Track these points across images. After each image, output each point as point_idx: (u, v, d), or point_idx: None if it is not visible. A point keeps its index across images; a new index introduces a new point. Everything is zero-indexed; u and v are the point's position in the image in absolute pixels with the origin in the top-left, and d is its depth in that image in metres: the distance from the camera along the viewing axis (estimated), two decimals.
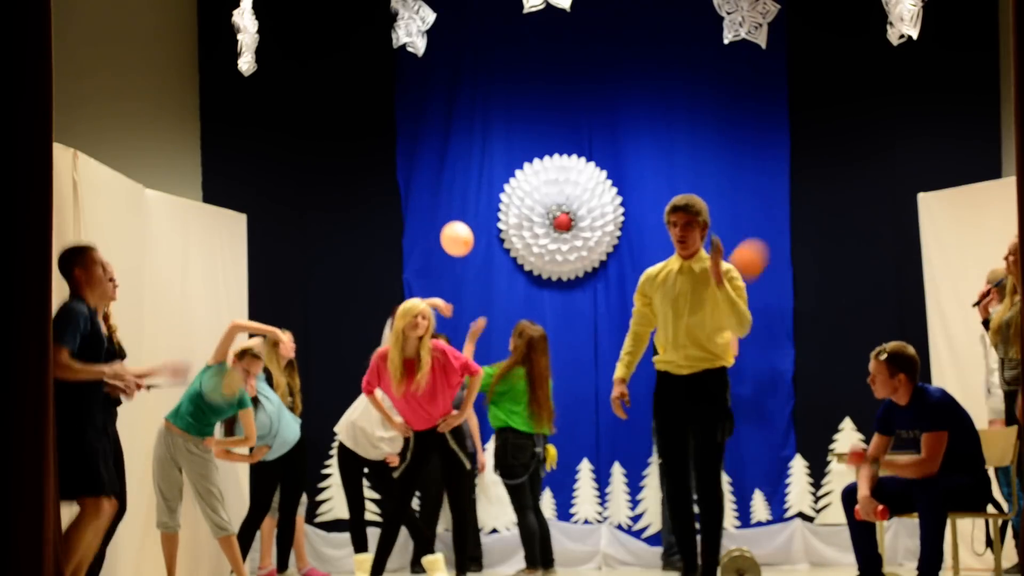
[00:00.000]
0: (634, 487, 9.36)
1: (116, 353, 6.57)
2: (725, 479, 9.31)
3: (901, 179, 9.40)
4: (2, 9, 5.01)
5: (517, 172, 9.68)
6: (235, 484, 8.57)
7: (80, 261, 5.89)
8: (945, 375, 8.60)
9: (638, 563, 9.25)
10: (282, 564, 8.39)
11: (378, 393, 7.52)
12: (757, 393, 9.38)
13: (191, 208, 8.80)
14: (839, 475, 9.08)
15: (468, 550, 8.96)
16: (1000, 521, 6.72)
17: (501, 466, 8.24)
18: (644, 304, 6.48)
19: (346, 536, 9.22)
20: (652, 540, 9.31)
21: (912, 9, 7.06)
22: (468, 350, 8.26)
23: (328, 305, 9.57)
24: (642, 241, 9.44)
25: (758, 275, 6.68)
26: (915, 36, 7.18)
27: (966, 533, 7.78)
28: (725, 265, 6.30)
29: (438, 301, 8.05)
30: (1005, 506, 7.11)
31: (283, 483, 8.37)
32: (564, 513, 9.39)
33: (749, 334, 8.88)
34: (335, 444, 9.22)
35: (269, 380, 8.36)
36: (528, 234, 9.59)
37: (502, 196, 9.67)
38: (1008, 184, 6.94)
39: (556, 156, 9.69)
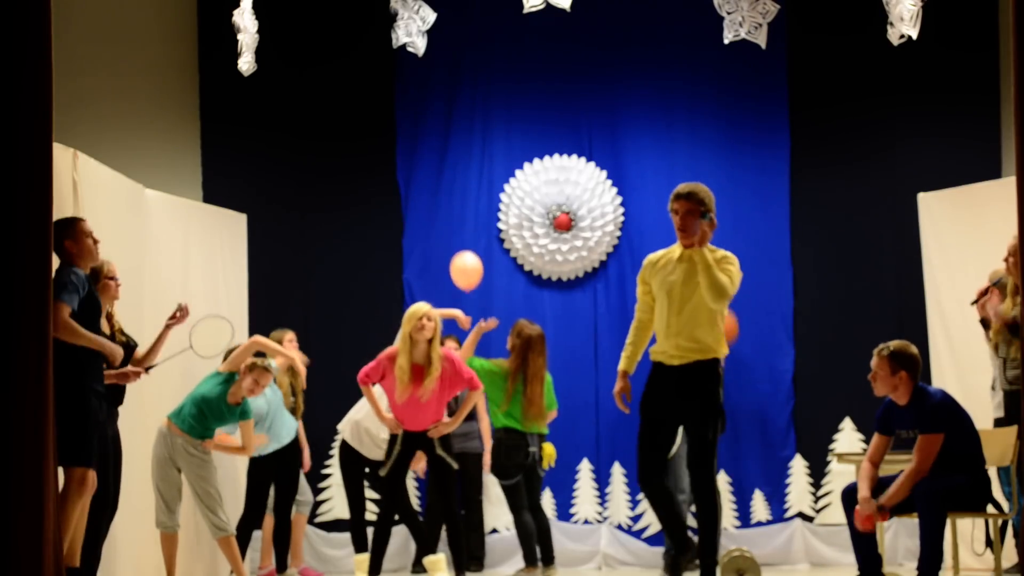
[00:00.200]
0: (634, 487, 9.35)
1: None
2: (725, 479, 9.33)
3: (901, 179, 9.41)
4: (2, 9, 5.01)
5: (517, 172, 9.68)
6: (233, 485, 8.57)
7: (70, 233, 5.93)
8: (945, 375, 8.60)
9: (638, 563, 9.25)
10: (281, 564, 8.39)
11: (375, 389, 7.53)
12: (757, 393, 9.38)
13: (191, 208, 8.80)
14: (839, 475, 9.08)
15: (471, 550, 9.02)
16: (1000, 521, 6.72)
17: (495, 466, 8.24)
18: (645, 291, 6.38)
19: (346, 536, 9.22)
20: (652, 540, 9.31)
21: (912, 9, 7.06)
22: (469, 346, 8.25)
23: (328, 305, 9.57)
24: (642, 241, 9.44)
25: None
26: (915, 36, 7.18)
27: (966, 533, 7.78)
28: (723, 252, 6.23)
29: (457, 313, 8.10)
30: (1006, 506, 7.11)
31: (277, 484, 8.36)
32: (564, 513, 9.39)
33: (748, 332, 9.03)
34: (335, 444, 9.25)
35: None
36: (528, 234, 9.59)
37: (502, 196, 9.67)
38: (1008, 184, 6.94)
39: (556, 156, 9.69)
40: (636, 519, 9.38)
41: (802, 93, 9.63)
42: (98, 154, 7.30)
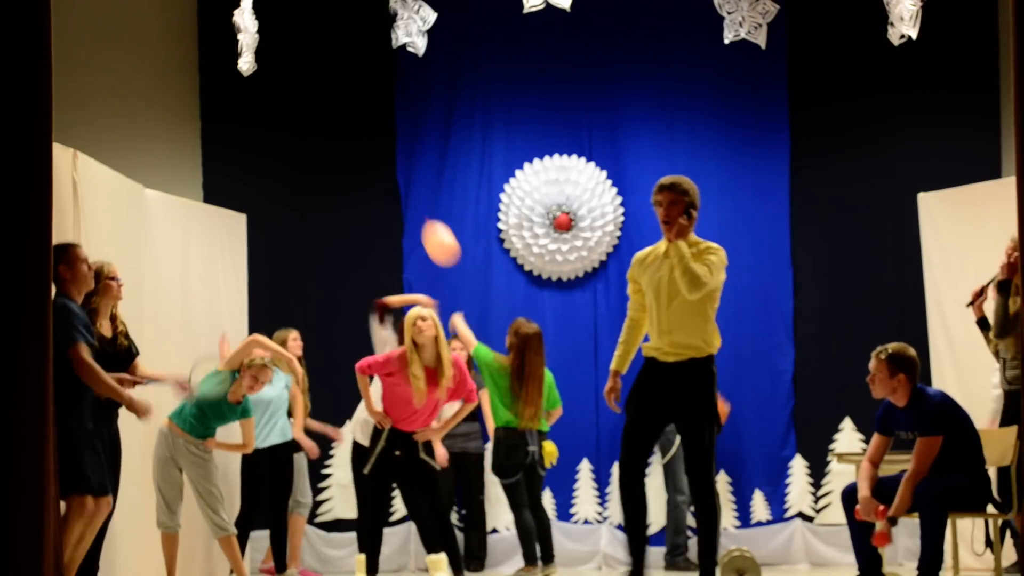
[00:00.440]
0: None
1: (122, 354, 6.59)
2: (725, 479, 9.33)
3: (901, 179, 9.41)
4: (2, 9, 5.01)
5: (517, 172, 9.68)
6: (227, 485, 8.55)
7: (64, 259, 5.89)
8: (945, 375, 8.60)
9: None
10: (279, 565, 8.39)
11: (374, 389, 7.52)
12: (757, 393, 9.38)
13: (191, 208, 8.80)
14: (839, 475, 9.08)
15: (472, 550, 9.02)
16: (1000, 521, 6.72)
17: (495, 466, 8.25)
18: (634, 290, 6.28)
19: (346, 536, 9.24)
20: (653, 540, 9.28)
21: (912, 9, 7.06)
22: (466, 334, 8.22)
23: (328, 305, 9.57)
24: (642, 241, 9.36)
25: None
26: (914, 36, 7.18)
27: (966, 533, 7.78)
28: (708, 244, 6.09)
29: (419, 298, 7.99)
30: None
31: (271, 486, 8.35)
32: (564, 513, 9.39)
33: (749, 332, 9.02)
34: (336, 444, 9.25)
35: None
36: (528, 234, 9.59)
37: (502, 196, 9.67)
38: (1008, 184, 6.94)
39: (556, 156, 9.69)
40: None
41: (802, 93, 9.63)
42: (98, 154, 7.29)
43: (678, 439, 8.16)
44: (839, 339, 9.30)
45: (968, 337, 8.17)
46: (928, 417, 6.37)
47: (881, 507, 6.35)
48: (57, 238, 5.52)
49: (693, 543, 8.71)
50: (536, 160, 9.68)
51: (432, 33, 8.13)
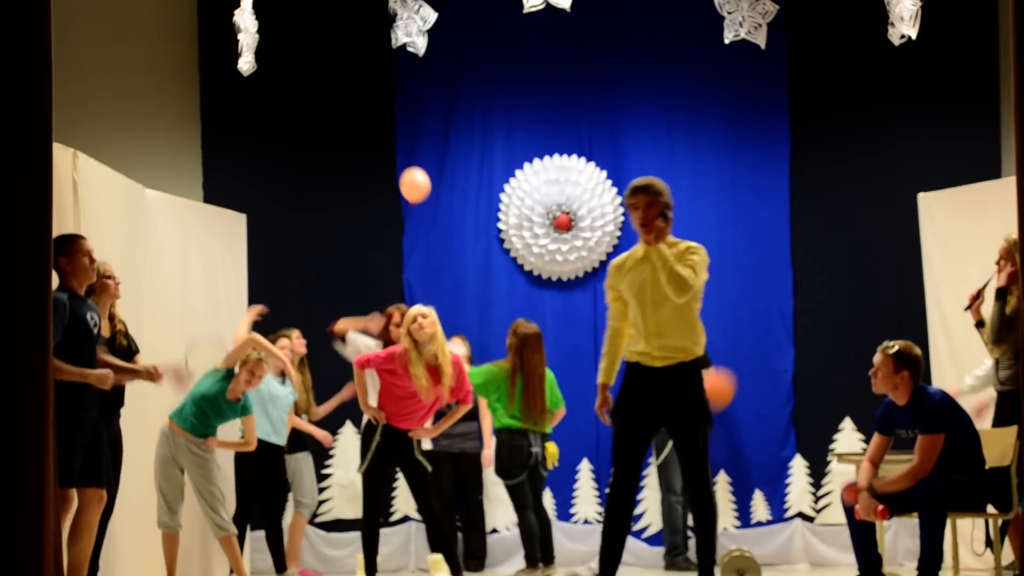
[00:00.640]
0: None
1: (122, 352, 6.59)
2: (725, 479, 9.34)
3: (901, 179, 9.41)
4: (2, 9, 5.01)
5: (517, 172, 9.68)
6: (229, 483, 8.57)
7: (66, 250, 5.89)
8: (945, 375, 8.59)
9: (638, 563, 9.25)
10: (278, 565, 8.39)
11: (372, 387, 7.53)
12: (757, 393, 9.38)
13: (191, 208, 8.80)
14: (839, 475, 9.07)
15: (472, 550, 9.01)
16: (1000, 521, 6.72)
17: (499, 467, 8.25)
18: (614, 298, 6.17)
19: (346, 536, 9.24)
20: (652, 540, 9.31)
21: (911, 9, 7.06)
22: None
23: (328, 305, 9.55)
24: None
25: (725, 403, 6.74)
26: (914, 36, 7.18)
27: (966, 533, 7.78)
28: (687, 244, 6.04)
29: (369, 325, 8.30)
30: None
31: (264, 489, 8.34)
32: (564, 513, 9.39)
33: (749, 332, 9.02)
34: (336, 444, 9.25)
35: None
36: (528, 234, 9.59)
37: (502, 196, 9.67)
38: (1008, 184, 6.94)
39: (556, 156, 9.69)
40: (636, 519, 9.36)
41: (802, 93, 9.63)
42: (98, 154, 7.29)
43: (669, 443, 8.16)
44: (839, 339, 9.30)
45: (968, 337, 8.16)
46: (929, 415, 6.38)
47: (881, 507, 6.34)
48: None
49: (692, 543, 8.71)
50: (536, 160, 9.68)
51: (432, 33, 8.12)
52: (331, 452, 9.34)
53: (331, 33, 9.75)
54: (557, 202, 9.60)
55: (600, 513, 9.40)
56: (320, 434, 8.78)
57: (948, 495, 6.28)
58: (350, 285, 9.57)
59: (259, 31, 7.64)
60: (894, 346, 6.49)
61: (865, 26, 9.10)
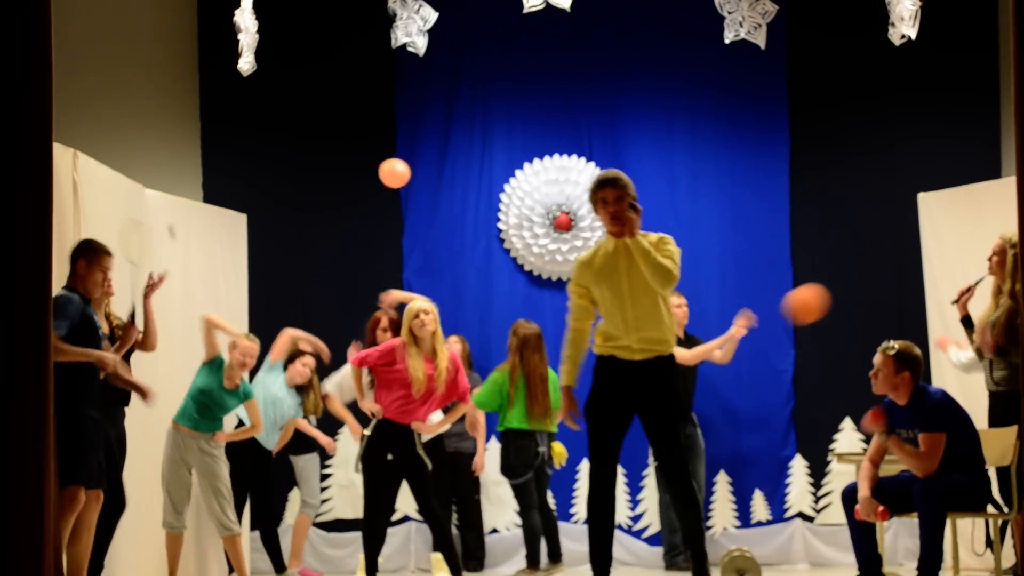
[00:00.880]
0: (634, 487, 9.36)
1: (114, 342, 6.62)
2: (725, 479, 9.34)
3: (901, 179, 9.41)
4: (2, 9, 5.01)
5: (517, 172, 9.68)
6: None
7: (88, 256, 6.09)
8: (945, 375, 8.59)
9: (638, 563, 9.25)
10: (278, 566, 8.39)
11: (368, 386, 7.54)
12: (757, 393, 9.38)
13: (191, 208, 8.80)
14: (839, 475, 9.08)
15: (471, 550, 9.00)
16: (1000, 521, 6.72)
17: (504, 466, 8.25)
18: (580, 295, 6.08)
19: (347, 536, 9.24)
20: (652, 540, 9.31)
21: (911, 9, 7.06)
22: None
23: (328, 305, 9.57)
24: None
25: (813, 318, 6.56)
26: (913, 36, 7.18)
27: (966, 533, 7.78)
28: (657, 236, 6.00)
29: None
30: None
31: (255, 489, 8.34)
32: (564, 513, 9.38)
33: (748, 333, 9.00)
34: (336, 442, 9.24)
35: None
36: (528, 234, 9.59)
37: (502, 196, 9.67)
38: (1008, 184, 6.94)
39: (556, 156, 9.69)
40: (636, 519, 9.38)
41: (802, 93, 9.63)
42: (98, 154, 7.30)
43: None
44: (839, 339, 9.29)
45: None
46: (930, 414, 6.38)
47: (881, 507, 6.35)
48: (57, 238, 5.52)
49: None
50: (536, 160, 9.68)
51: (432, 33, 8.12)
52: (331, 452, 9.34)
53: (331, 33, 9.75)
54: (557, 202, 9.60)
55: None
56: (324, 440, 8.77)
57: (948, 495, 6.28)
58: (350, 285, 9.57)
59: (259, 31, 7.64)
60: (894, 347, 6.49)
61: (865, 26, 9.11)
